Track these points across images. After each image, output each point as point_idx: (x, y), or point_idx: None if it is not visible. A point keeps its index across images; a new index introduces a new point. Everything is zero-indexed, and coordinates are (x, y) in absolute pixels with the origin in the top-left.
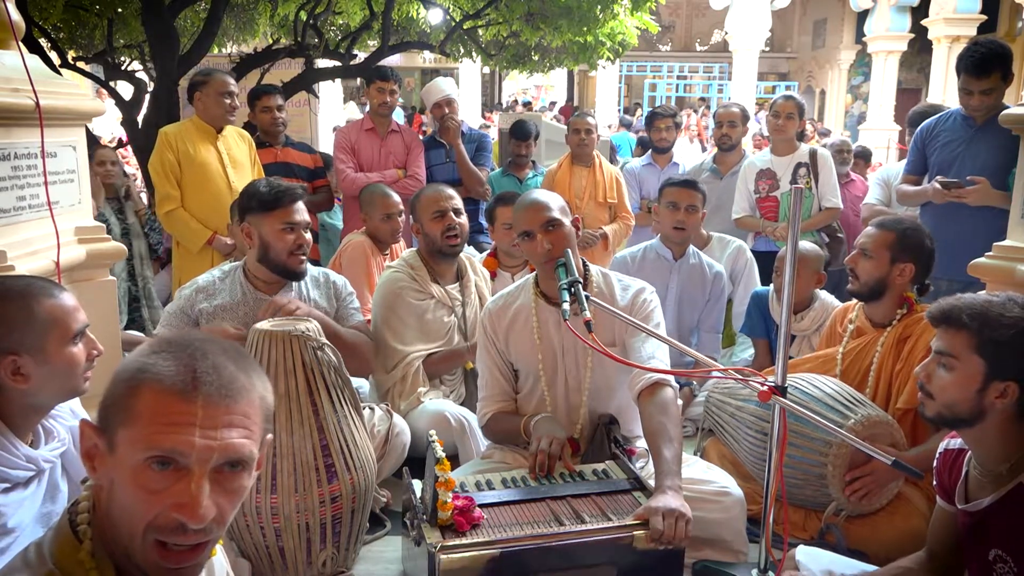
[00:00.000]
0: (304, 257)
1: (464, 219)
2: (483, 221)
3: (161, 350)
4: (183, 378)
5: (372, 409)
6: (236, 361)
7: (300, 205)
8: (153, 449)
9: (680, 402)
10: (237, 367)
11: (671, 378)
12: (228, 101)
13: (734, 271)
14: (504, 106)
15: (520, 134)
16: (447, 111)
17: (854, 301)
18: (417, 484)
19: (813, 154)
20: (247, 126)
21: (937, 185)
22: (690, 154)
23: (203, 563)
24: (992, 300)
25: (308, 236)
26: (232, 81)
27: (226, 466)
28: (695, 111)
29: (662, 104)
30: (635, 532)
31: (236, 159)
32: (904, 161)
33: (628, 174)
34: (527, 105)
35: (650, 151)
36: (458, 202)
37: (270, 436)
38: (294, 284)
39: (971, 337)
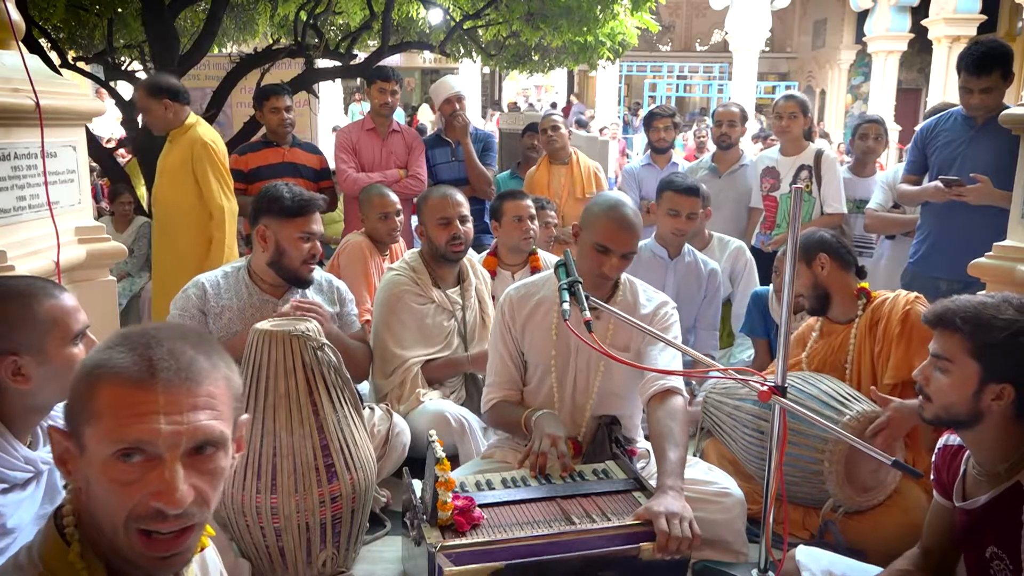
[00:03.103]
0: (314, 266)
1: (470, 226)
2: (487, 221)
3: (116, 344)
4: (139, 367)
5: (372, 409)
6: (195, 345)
7: (319, 216)
8: (119, 442)
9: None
10: (196, 351)
11: (683, 388)
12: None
13: (734, 271)
14: (507, 108)
15: (535, 127)
16: (457, 107)
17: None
18: (417, 484)
19: (818, 157)
20: (252, 124)
21: (939, 184)
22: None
23: (192, 548)
24: (986, 302)
25: (319, 246)
26: (145, 90)
27: (198, 448)
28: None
29: (661, 104)
30: (641, 545)
31: (165, 166)
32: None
33: (627, 174)
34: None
35: (649, 151)
36: (465, 209)
37: (245, 416)
38: (298, 289)
39: (964, 340)
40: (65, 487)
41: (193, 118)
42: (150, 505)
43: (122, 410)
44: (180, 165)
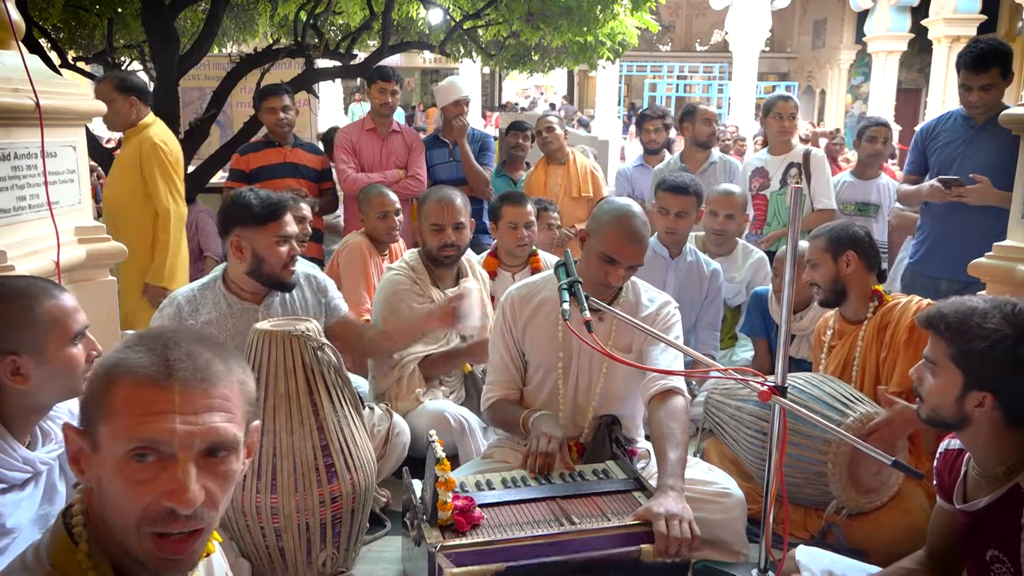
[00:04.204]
0: (295, 269)
1: (466, 232)
2: (486, 221)
3: (133, 344)
4: (157, 367)
5: (372, 409)
6: (211, 348)
7: (290, 216)
8: (134, 440)
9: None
10: (213, 353)
11: (684, 388)
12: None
13: (753, 282)
14: (510, 108)
15: (519, 126)
16: (465, 109)
17: (831, 311)
18: (417, 484)
19: (807, 155)
20: (252, 124)
21: (935, 183)
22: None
23: (199, 552)
24: (977, 308)
25: (296, 246)
26: (115, 84)
27: (211, 451)
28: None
29: (651, 106)
30: (642, 546)
31: (118, 163)
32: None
33: (620, 176)
34: (517, 107)
35: (642, 152)
36: (462, 216)
37: (257, 422)
38: (278, 293)
39: (948, 346)
40: (75, 486)
41: (150, 118)
42: (162, 505)
43: (138, 408)
44: (129, 164)
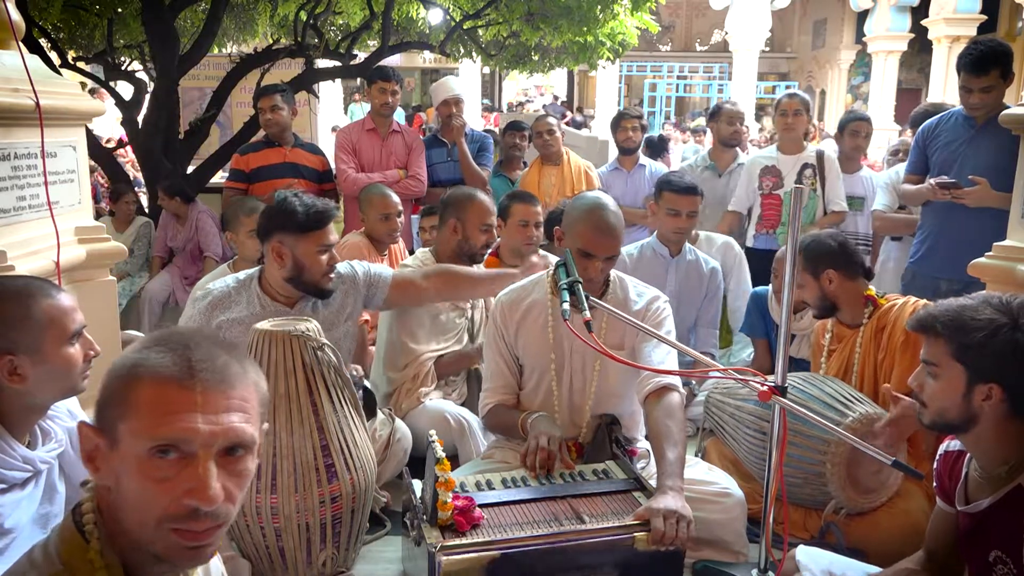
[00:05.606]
0: (334, 276)
1: None
2: None
3: (153, 345)
4: (180, 367)
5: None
6: (228, 351)
7: (333, 225)
8: (158, 439)
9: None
10: (229, 356)
11: (679, 384)
12: None
13: (725, 266)
14: (508, 107)
15: (516, 125)
16: (454, 110)
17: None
18: (417, 484)
19: (820, 156)
20: (252, 124)
21: (931, 183)
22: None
23: (215, 545)
24: (967, 304)
25: (336, 254)
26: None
27: (229, 450)
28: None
29: (627, 106)
30: (636, 534)
31: None
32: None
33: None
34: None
35: (617, 155)
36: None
37: (267, 425)
38: (311, 298)
39: (947, 344)
40: (83, 484)
41: None
42: (184, 504)
43: (161, 407)
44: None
